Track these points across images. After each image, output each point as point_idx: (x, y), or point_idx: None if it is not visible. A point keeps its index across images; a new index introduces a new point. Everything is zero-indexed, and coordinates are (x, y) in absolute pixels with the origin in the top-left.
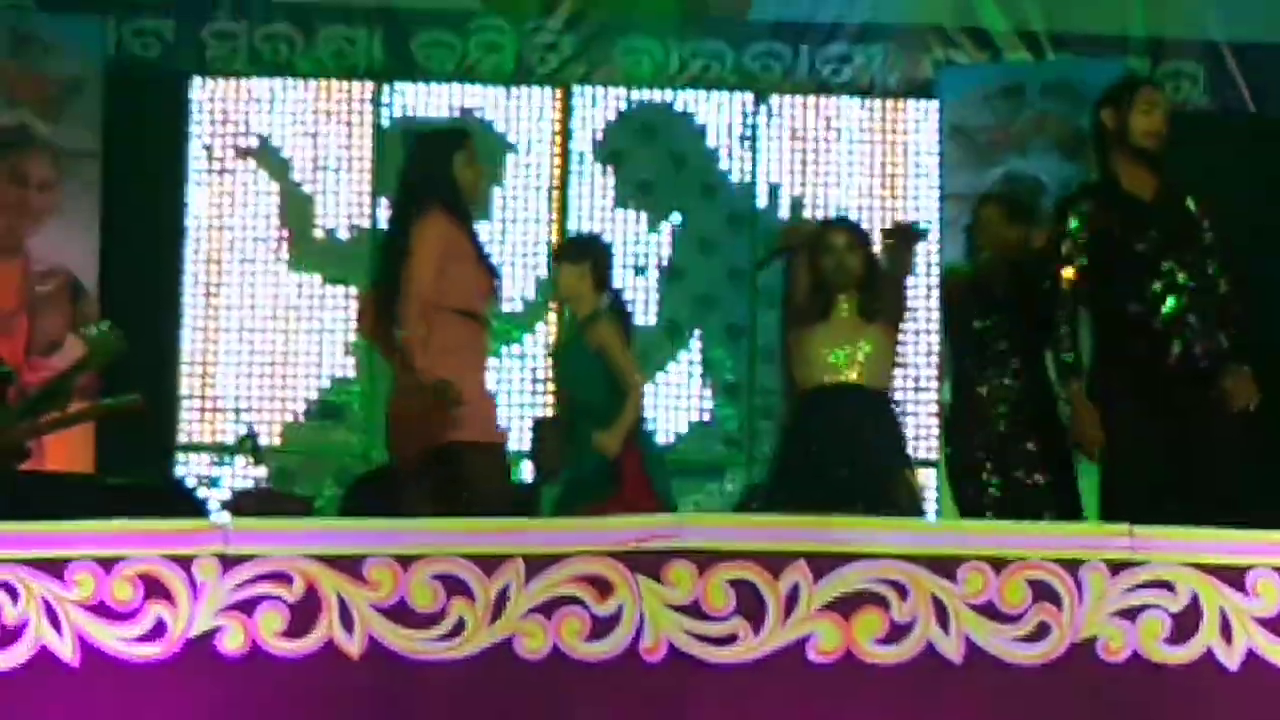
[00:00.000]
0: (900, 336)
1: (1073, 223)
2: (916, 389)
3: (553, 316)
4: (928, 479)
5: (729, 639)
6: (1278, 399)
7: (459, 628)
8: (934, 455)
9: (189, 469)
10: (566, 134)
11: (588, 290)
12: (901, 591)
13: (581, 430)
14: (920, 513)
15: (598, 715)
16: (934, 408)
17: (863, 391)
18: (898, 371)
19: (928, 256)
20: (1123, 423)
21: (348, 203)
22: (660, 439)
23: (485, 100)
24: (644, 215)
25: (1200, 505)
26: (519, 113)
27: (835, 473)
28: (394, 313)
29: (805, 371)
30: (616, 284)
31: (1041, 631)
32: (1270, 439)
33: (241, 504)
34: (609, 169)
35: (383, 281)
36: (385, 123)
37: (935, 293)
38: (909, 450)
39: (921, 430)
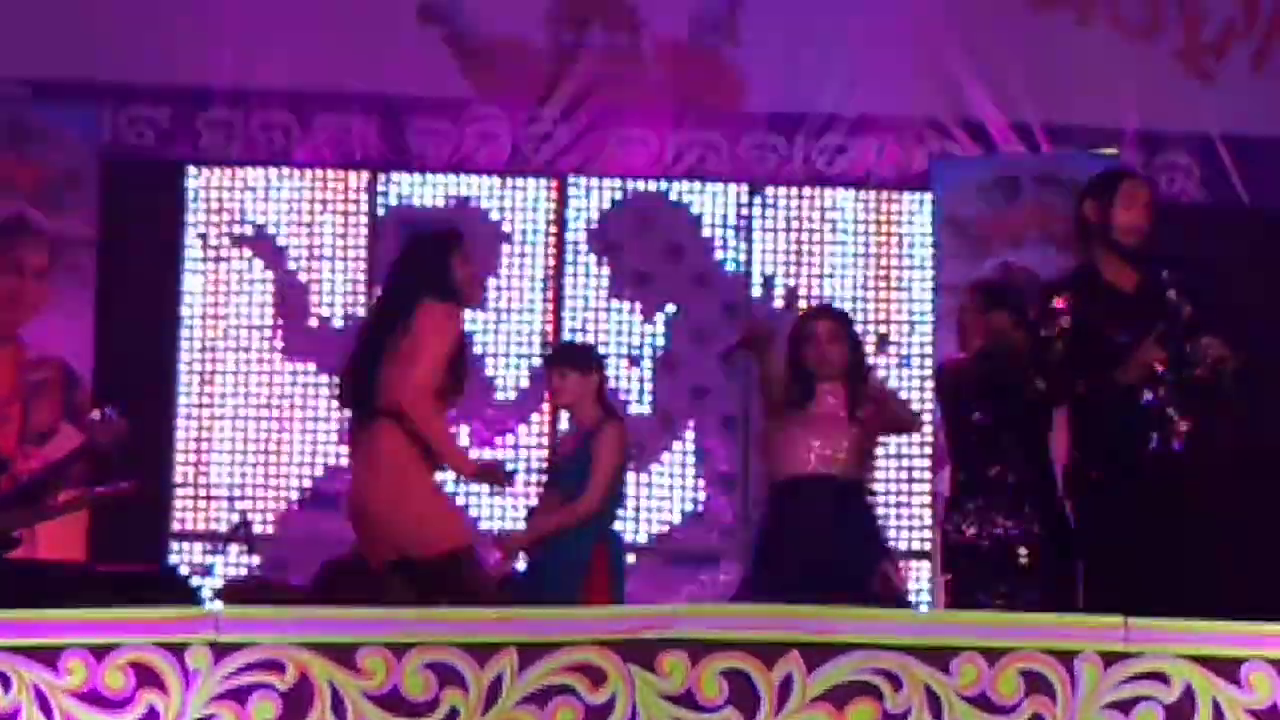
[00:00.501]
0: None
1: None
2: (910, 480)
3: (545, 408)
4: (920, 570)
5: None
6: (1265, 491)
7: (452, 717)
8: (926, 545)
9: (182, 556)
10: (562, 223)
11: (591, 399)
12: (895, 682)
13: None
14: (900, 604)
15: None
16: (928, 499)
17: (839, 483)
18: (891, 462)
19: (922, 348)
20: (1102, 513)
21: (343, 291)
22: (654, 529)
23: (480, 190)
24: (639, 305)
25: (1182, 595)
26: (514, 202)
27: (813, 564)
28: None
29: (781, 461)
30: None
31: None
32: (1252, 529)
33: (234, 592)
34: (604, 259)
35: (360, 368)
36: (381, 212)
37: (928, 384)
38: (888, 542)
39: (915, 520)
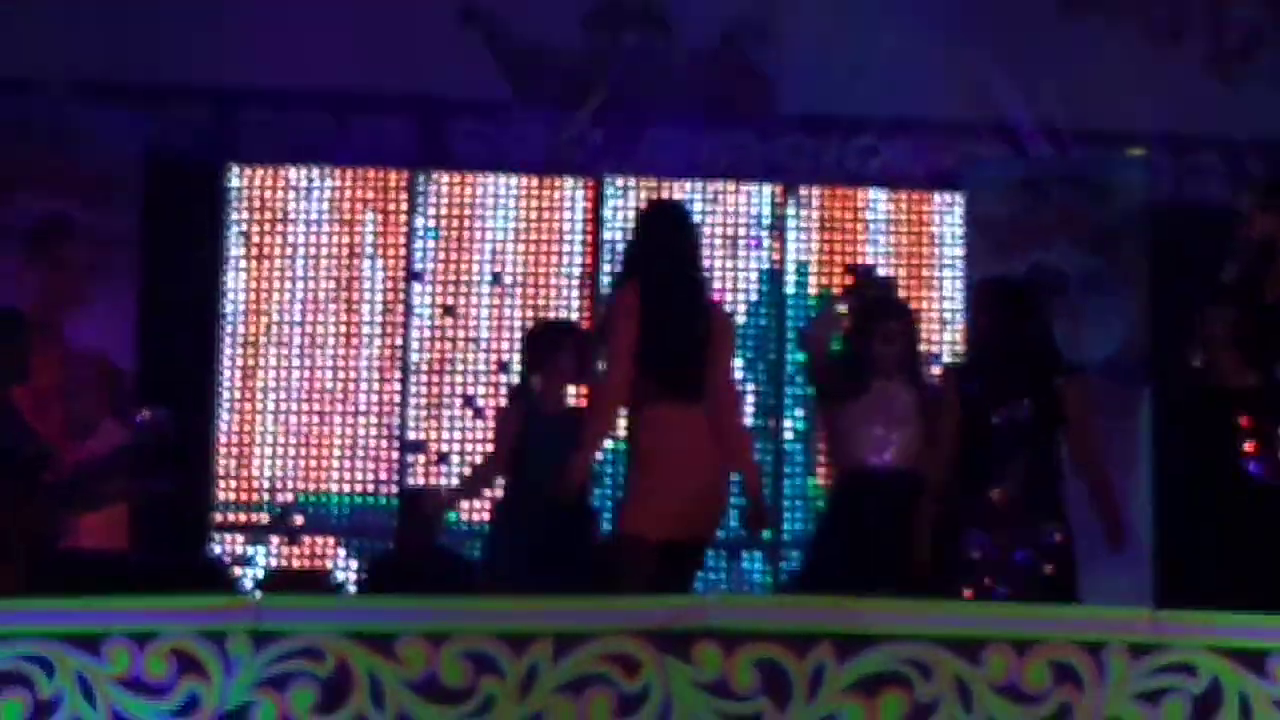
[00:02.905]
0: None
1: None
2: None
3: None
4: None
5: (755, 718)
6: None
7: (488, 705)
8: None
9: (223, 547)
10: (598, 223)
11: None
12: (925, 672)
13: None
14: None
15: None
16: None
17: (901, 473)
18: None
19: (953, 346)
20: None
21: (382, 289)
22: None
23: (518, 189)
24: None
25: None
26: (551, 202)
27: (877, 555)
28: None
29: (844, 451)
30: None
31: (1063, 713)
32: None
33: (274, 582)
34: None
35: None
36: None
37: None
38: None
39: None
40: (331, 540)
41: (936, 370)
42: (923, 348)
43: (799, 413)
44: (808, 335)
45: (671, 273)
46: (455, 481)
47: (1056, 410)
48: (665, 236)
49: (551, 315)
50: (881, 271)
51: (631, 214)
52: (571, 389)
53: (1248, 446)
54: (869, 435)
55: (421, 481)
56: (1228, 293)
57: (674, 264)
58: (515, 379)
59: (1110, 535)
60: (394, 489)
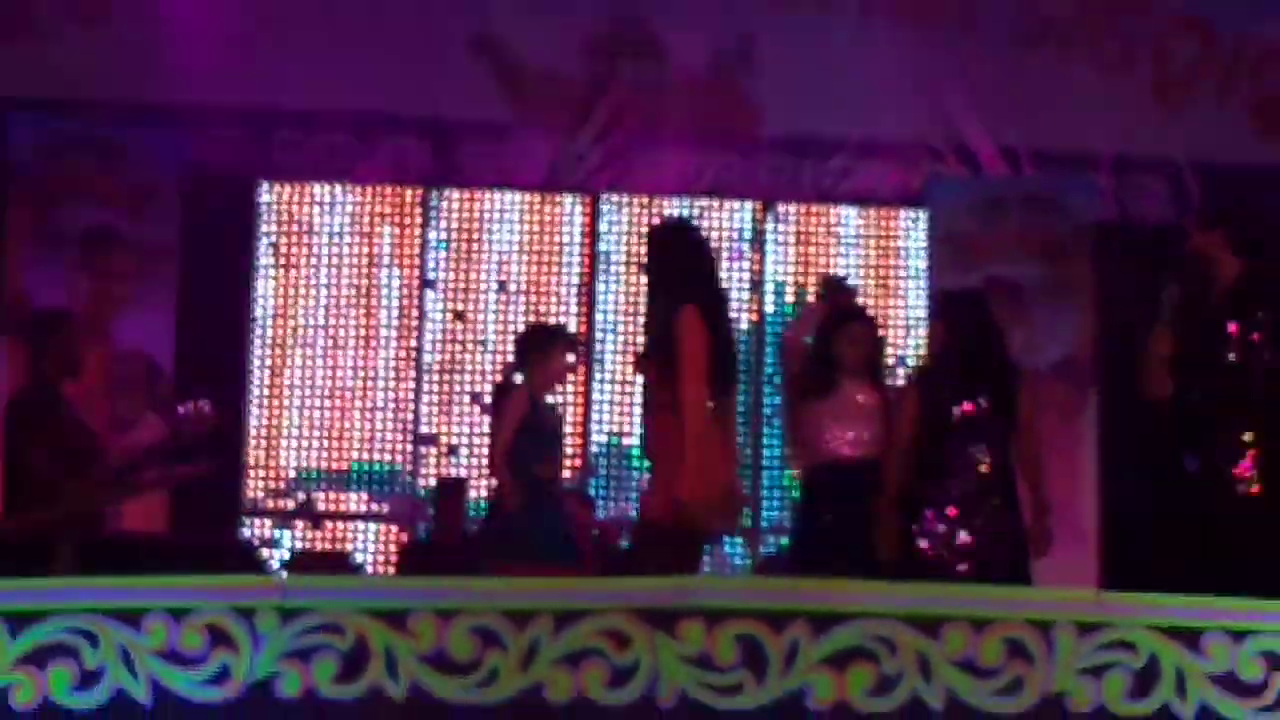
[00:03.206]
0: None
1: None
2: None
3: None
4: None
5: (735, 689)
6: None
7: (493, 676)
8: None
9: (253, 531)
10: (595, 235)
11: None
12: (890, 647)
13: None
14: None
15: None
16: None
17: (864, 466)
18: None
19: (917, 350)
20: None
21: (398, 296)
22: None
23: (522, 205)
24: None
25: None
26: (551, 217)
27: (846, 541)
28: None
29: (812, 445)
30: None
31: (1016, 686)
32: None
33: (299, 563)
34: (632, 267)
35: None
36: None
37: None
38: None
39: None
40: (350, 525)
41: (901, 372)
42: (886, 351)
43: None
44: (783, 338)
45: (717, 293)
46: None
47: (1009, 410)
48: (704, 259)
49: (546, 320)
50: (850, 282)
51: (635, 230)
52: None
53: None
54: (835, 430)
55: (435, 471)
56: (1168, 308)
57: (715, 285)
58: (517, 377)
59: (1035, 538)
60: (429, 481)
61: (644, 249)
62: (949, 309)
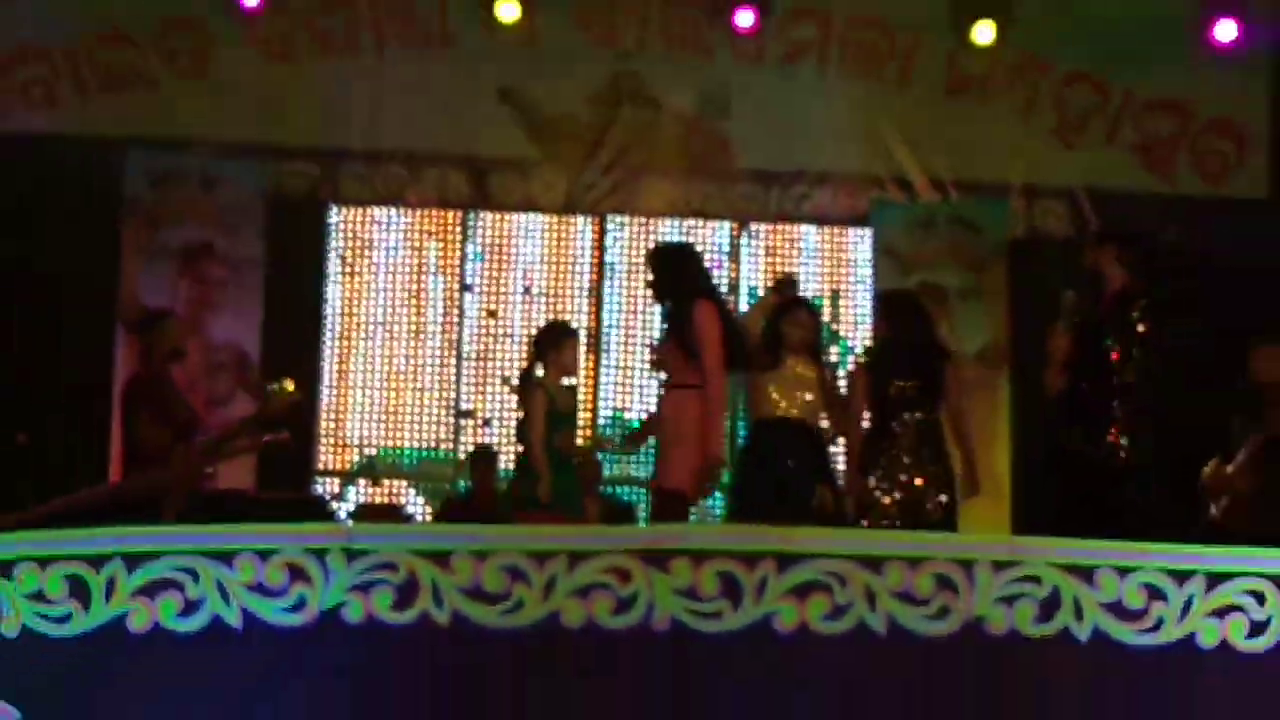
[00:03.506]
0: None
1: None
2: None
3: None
4: None
5: (716, 615)
6: None
7: (519, 605)
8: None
9: (324, 488)
10: (602, 249)
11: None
12: (841, 581)
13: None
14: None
15: (619, 669)
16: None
17: (803, 425)
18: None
19: (863, 341)
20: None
21: (442, 299)
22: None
23: (543, 225)
24: (656, 309)
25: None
26: (566, 234)
27: (783, 482)
28: None
29: (760, 408)
30: None
31: (944, 613)
32: None
33: (361, 514)
34: (633, 275)
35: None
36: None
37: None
38: (831, 471)
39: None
40: (403, 483)
41: (851, 359)
42: (823, 334)
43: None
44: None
45: (718, 293)
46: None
47: (939, 387)
48: (704, 270)
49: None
50: (796, 280)
51: (634, 246)
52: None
53: (1074, 422)
54: (779, 395)
55: (472, 440)
56: (1064, 311)
57: (715, 288)
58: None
59: (967, 484)
60: (468, 447)
61: (647, 264)
62: (890, 307)
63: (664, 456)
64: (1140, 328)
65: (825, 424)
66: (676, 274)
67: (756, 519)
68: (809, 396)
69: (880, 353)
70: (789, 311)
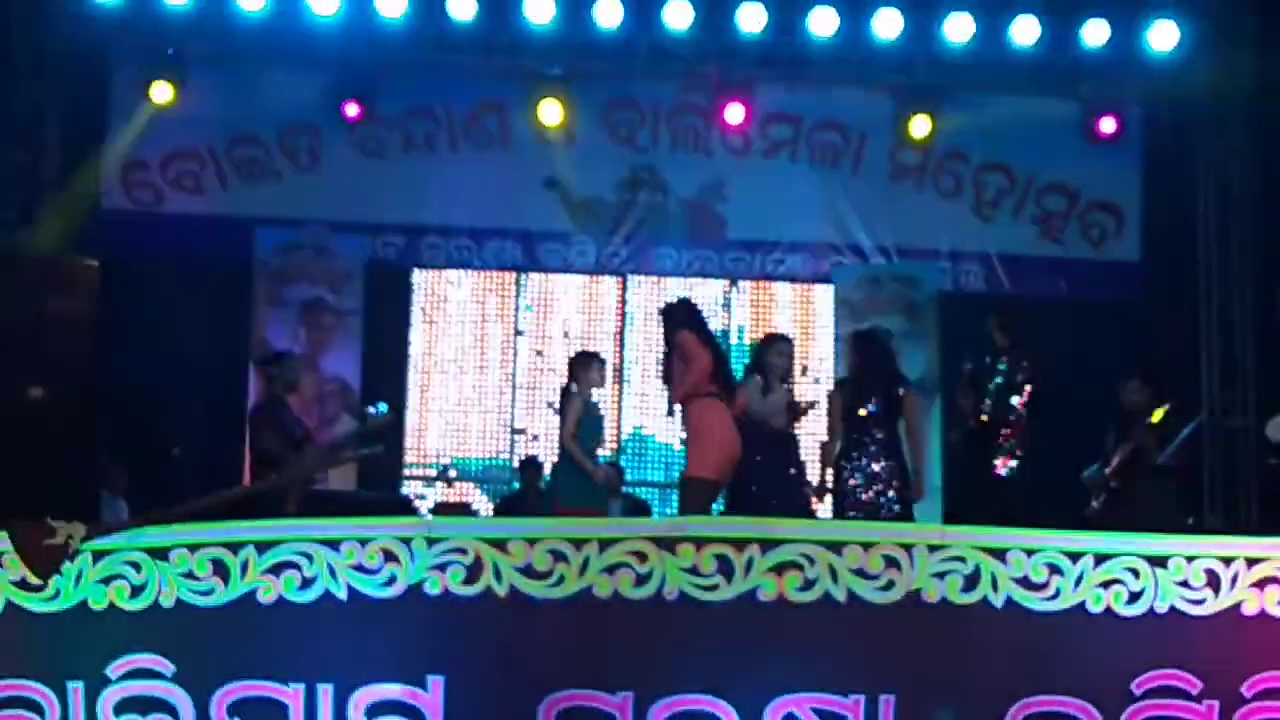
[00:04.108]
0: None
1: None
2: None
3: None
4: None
5: (713, 588)
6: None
7: (561, 580)
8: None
9: (410, 490)
10: (624, 302)
11: None
12: (810, 561)
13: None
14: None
15: (640, 629)
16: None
17: (777, 431)
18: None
19: (827, 373)
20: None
21: (499, 343)
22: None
23: (578, 283)
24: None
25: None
26: (597, 290)
27: (767, 478)
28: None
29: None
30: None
31: (890, 585)
32: None
33: (439, 509)
34: (646, 323)
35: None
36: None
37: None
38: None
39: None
40: (470, 485)
41: (826, 387)
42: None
43: None
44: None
45: (708, 329)
46: (541, 452)
47: (899, 409)
48: (702, 317)
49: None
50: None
51: (649, 299)
52: (597, 391)
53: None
54: (762, 409)
55: (524, 452)
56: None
57: (707, 326)
58: (572, 387)
59: (917, 485)
60: (521, 457)
61: (660, 314)
62: (860, 342)
63: (693, 451)
64: (1019, 376)
65: (797, 432)
66: (681, 321)
67: (746, 511)
68: (786, 411)
69: (852, 379)
70: (772, 344)
